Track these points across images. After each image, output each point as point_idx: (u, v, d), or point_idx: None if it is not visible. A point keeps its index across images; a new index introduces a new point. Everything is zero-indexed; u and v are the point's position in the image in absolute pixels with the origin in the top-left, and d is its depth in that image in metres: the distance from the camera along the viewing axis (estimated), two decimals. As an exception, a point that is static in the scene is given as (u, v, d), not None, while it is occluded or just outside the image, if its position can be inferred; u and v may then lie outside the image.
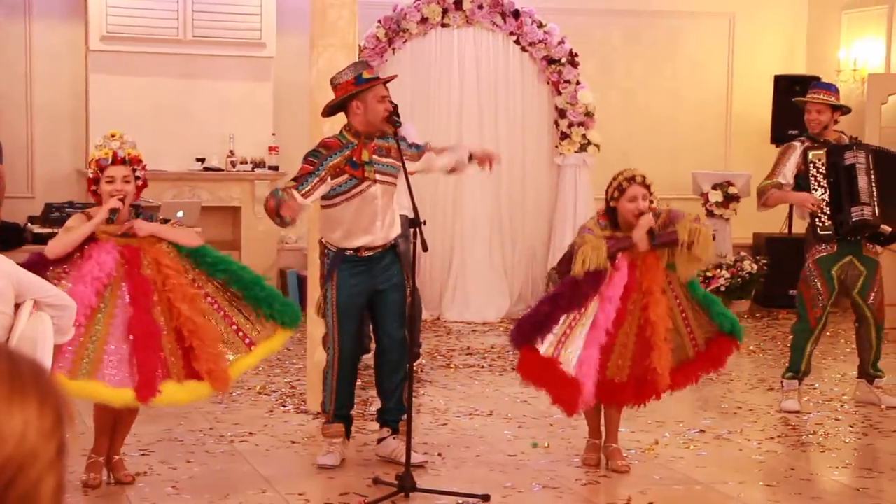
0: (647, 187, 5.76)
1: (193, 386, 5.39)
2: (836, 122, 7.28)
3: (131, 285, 5.33)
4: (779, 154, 7.43)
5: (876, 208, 7.06)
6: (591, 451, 6.04)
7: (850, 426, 6.90)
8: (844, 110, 7.34)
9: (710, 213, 11.48)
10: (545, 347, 5.75)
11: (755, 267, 11.14)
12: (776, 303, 11.21)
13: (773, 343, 9.67)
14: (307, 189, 5.67)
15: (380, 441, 6.09)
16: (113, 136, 5.61)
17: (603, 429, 6.04)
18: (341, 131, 5.87)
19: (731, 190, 11.53)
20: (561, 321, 5.75)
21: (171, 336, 5.36)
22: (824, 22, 12.25)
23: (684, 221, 5.72)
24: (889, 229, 7.13)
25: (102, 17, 10.46)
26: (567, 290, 5.78)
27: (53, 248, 5.31)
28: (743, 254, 11.34)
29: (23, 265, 5.21)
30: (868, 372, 7.39)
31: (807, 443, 6.55)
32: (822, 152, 7.12)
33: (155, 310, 5.35)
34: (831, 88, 7.40)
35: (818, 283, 7.12)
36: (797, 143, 7.28)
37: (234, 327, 5.53)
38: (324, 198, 5.79)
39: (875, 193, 7.05)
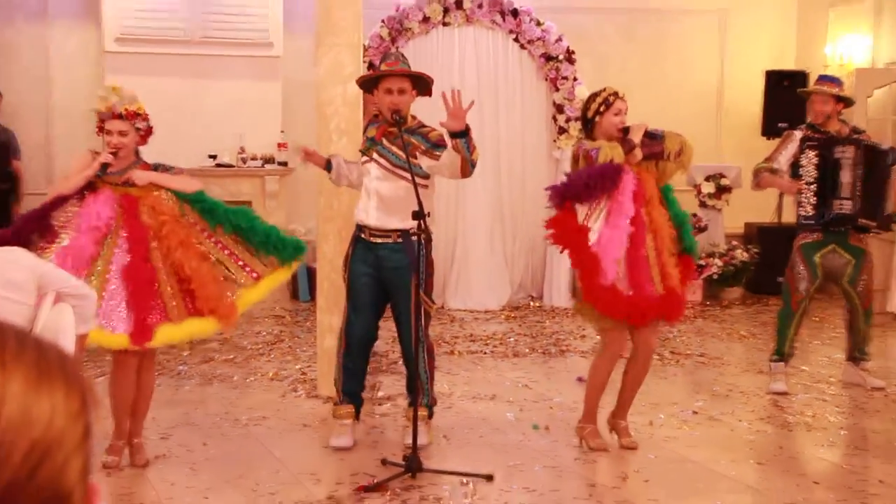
0: (625, 104, 5.99)
1: (197, 323, 5.48)
2: (839, 113, 7.33)
3: (129, 233, 5.42)
4: (780, 140, 7.53)
5: (857, 203, 7.10)
6: (597, 436, 6.03)
7: (837, 407, 6.95)
8: (848, 102, 7.38)
9: (702, 204, 11.52)
10: (581, 216, 5.75)
11: (746, 255, 11.18)
12: (767, 290, 11.25)
13: (763, 328, 9.70)
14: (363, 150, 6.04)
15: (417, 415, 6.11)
16: (114, 89, 5.65)
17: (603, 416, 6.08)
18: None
19: (723, 181, 11.56)
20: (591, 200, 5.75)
21: (173, 279, 5.44)
22: (812, 18, 12.27)
23: (671, 134, 5.96)
24: (870, 223, 7.16)
25: (117, 20, 10.51)
26: (600, 169, 5.73)
27: (52, 193, 5.53)
28: (735, 243, 11.38)
29: (30, 216, 5.40)
30: (854, 355, 7.46)
31: (795, 423, 6.59)
32: (815, 142, 7.18)
33: (153, 255, 5.43)
34: (835, 81, 7.47)
35: (801, 269, 7.20)
36: (797, 132, 7.37)
37: (240, 263, 5.60)
38: None
39: (859, 188, 7.09)
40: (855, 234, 7.22)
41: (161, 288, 5.42)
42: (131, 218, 5.45)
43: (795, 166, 7.29)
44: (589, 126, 5.98)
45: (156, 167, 5.65)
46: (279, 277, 5.74)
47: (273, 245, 5.65)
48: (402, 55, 6.12)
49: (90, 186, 5.45)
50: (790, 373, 7.45)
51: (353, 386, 6.08)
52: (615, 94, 5.97)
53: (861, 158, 7.12)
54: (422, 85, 5.98)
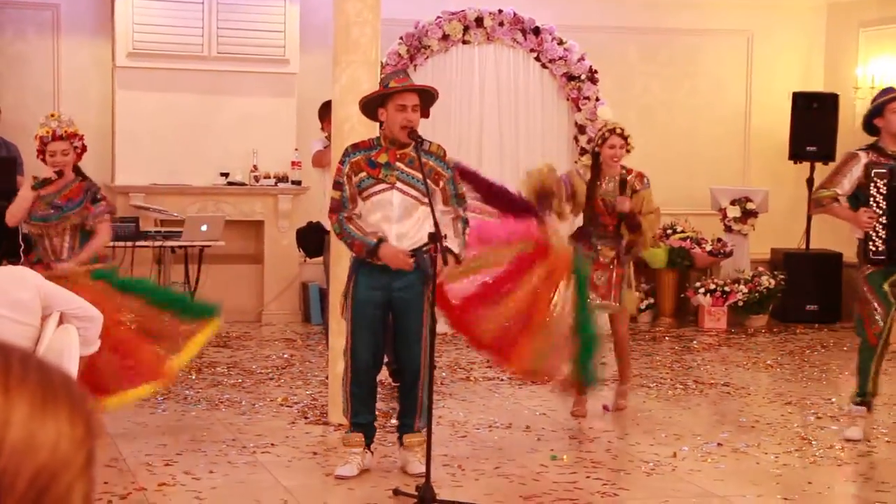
0: (625, 139, 7.06)
1: (137, 391, 6.24)
2: None
3: None
4: (841, 161, 6.99)
5: None
6: (579, 405, 7.17)
7: (868, 441, 6.86)
8: None
9: (728, 229, 11.46)
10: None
11: (773, 282, 11.11)
12: (793, 318, 11.18)
13: (790, 357, 9.63)
14: (348, 199, 5.87)
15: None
16: (52, 115, 6.59)
17: None
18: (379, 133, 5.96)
19: (749, 205, 11.50)
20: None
21: (113, 355, 5.92)
22: (842, 39, 12.23)
23: (651, 225, 7.27)
24: None
25: (129, 34, 10.52)
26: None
27: (13, 215, 6.52)
28: (761, 269, 11.32)
29: None
30: None
31: (824, 456, 6.51)
32: (884, 170, 6.65)
33: None
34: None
35: (872, 300, 6.76)
36: (861, 154, 6.77)
37: (170, 329, 6.40)
38: None
39: None
40: None
41: (101, 365, 5.73)
42: None
43: (858, 192, 6.75)
44: (595, 156, 7.22)
45: (89, 188, 6.59)
46: (201, 341, 6.52)
47: (191, 312, 6.50)
48: (407, 73, 6.14)
49: None
50: (816, 405, 7.34)
51: (363, 414, 6.03)
52: (612, 130, 7.08)
53: None
54: (427, 104, 5.93)
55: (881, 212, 6.65)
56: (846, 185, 6.76)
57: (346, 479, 5.87)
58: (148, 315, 6.28)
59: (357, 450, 5.98)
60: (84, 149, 6.60)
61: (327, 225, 6.54)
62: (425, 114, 5.93)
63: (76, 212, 6.59)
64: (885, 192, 6.65)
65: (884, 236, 6.66)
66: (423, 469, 5.59)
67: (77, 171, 6.72)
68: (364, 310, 5.86)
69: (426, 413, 5.69)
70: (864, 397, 6.94)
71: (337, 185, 5.88)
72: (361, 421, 6.01)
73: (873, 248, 6.69)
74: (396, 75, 6.01)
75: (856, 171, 6.74)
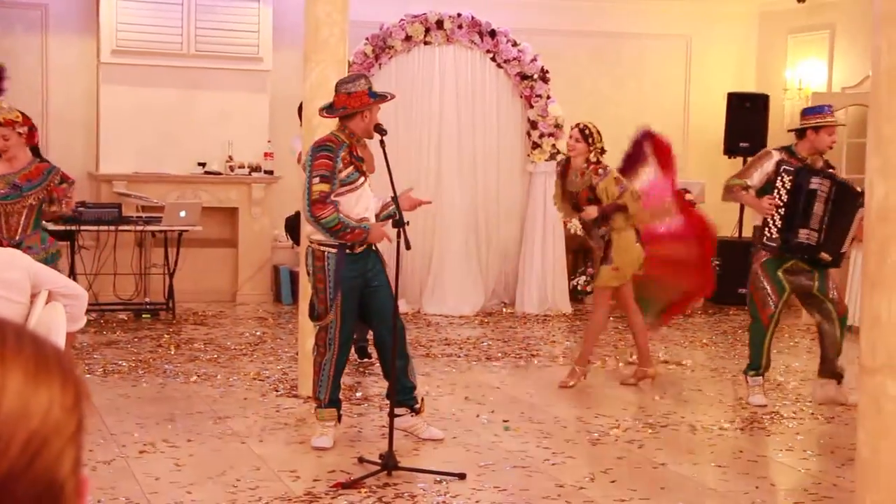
0: (584, 135, 7.52)
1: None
2: None
3: None
4: (756, 157, 7.22)
5: (822, 236, 6.81)
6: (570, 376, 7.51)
7: (793, 413, 6.94)
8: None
9: (667, 218, 11.52)
10: None
11: (708, 267, 11.18)
12: (727, 300, 11.27)
13: (723, 336, 9.72)
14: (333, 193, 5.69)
15: (395, 416, 5.75)
16: None
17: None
18: (335, 132, 5.79)
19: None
20: None
21: None
22: (772, 44, 12.32)
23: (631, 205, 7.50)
24: (828, 257, 6.86)
25: (113, 33, 10.45)
26: None
27: None
28: (697, 255, 11.38)
29: None
30: (835, 371, 7.07)
31: (754, 428, 6.58)
32: (792, 168, 6.87)
33: None
34: (831, 109, 7.11)
35: (766, 285, 6.92)
36: (775, 153, 7.03)
37: None
38: None
39: (826, 221, 6.80)
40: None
41: None
42: None
43: (767, 185, 6.97)
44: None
45: (51, 170, 6.63)
46: None
47: None
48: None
49: None
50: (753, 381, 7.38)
51: (338, 391, 6.02)
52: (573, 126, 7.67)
53: (833, 194, 6.78)
54: None
55: (781, 203, 6.88)
56: (756, 178, 7.04)
57: (319, 449, 5.85)
58: None
59: (331, 423, 5.97)
60: (32, 132, 6.58)
61: None
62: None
63: (34, 192, 6.58)
64: (789, 187, 6.89)
65: (779, 225, 6.90)
66: (440, 434, 6.02)
67: (35, 152, 6.75)
68: (351, 298, 5.80)
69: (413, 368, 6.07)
70: (759, 370, 7.09)
71: (325, 179, 5.63)
72: (338, 397, 6.01)
73: (767, 234, 6.94)
74: (370, 81, 5.94)
75: (767, 167, 7.00)
